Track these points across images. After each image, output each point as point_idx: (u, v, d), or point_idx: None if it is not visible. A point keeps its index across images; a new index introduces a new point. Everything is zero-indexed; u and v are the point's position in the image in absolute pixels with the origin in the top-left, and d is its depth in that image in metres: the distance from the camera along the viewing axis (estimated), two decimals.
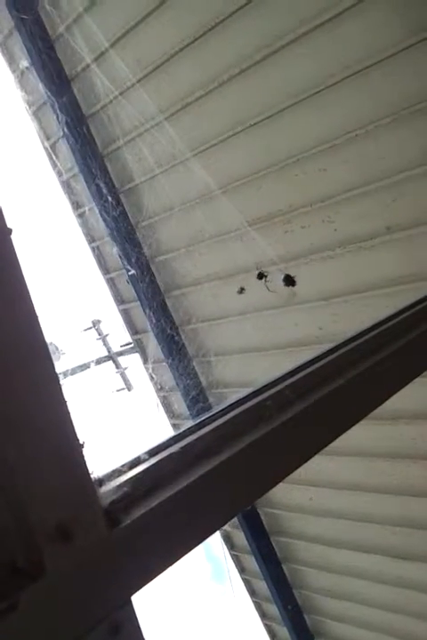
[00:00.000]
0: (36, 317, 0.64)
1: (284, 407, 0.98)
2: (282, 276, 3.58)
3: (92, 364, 10.74)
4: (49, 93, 3.90)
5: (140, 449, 0.85)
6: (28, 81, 4.23)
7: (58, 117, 3.92)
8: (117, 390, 12.16)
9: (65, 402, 0.67)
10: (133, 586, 0.72)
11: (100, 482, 0.75)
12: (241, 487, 0.87)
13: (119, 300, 4.99)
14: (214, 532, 0.83)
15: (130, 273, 4.23)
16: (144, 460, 0.82)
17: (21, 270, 0.63)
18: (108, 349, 11.94)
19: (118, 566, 0.70)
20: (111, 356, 11.94)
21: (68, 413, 0.67)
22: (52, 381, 0.65)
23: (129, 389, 12.17)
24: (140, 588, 0.73)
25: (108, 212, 4.13)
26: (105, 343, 11.95)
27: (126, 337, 5.48)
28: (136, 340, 5.11)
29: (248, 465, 0.88)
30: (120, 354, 11.76)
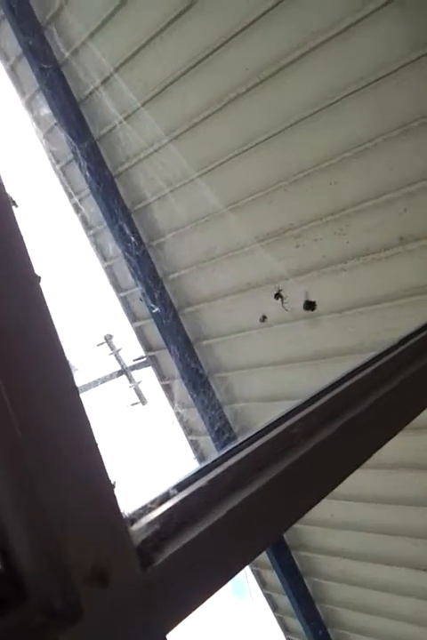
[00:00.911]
0: (66, 362, 0.65)
1: (311, 433, 0.98)
2: (302, 299, 3.57)
3: (106, 379, 10.76)
4: (58, 117, 3.95)
5: (163, 474, 0.85)
6: (38, 105, 4.29)
7: (69, 141, 3.96)
8: (132, 404, 12.17)
9: (97, 444, 0.67)
10: (168, 624, 0.72)
11: (132, 520, 0.75)
12: (272, 518, 0.87)
13: (133, 317, 5.01)
14: (247, 564, 0.83)
15: (152, 306, 4.27)
16: (173, 496, 0.82)
17: (51, 318, 0.63)
18: (122, 364, 11.95)
19: (153, 605, 0.71)
20: (124, 371, 11.95)
21: (100, 455, 0.67)
22: (85, 424, 0.66)
23: (143, 403, 12.17)
24: (176, 625, 0.73)
25: (122, 238, 4.18)
26: (118, 358, 11.97)
27: (139, 351, 5.49)
28: (150, 356, 5.12)
29: (278, 495, 0.88)
30: (133, 368, 11.77)
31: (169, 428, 5.50)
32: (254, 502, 0.84)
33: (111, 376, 11.55)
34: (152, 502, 0.81)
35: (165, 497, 0.82)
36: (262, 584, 5.66)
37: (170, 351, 4.53)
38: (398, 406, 1.17)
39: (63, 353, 0.63)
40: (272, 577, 5.35)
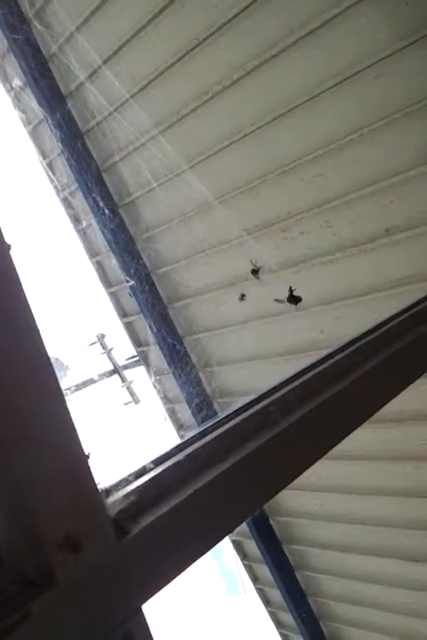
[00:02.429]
0: (37, 330, 0.65)
1: (287, 412, 0.99)
2: (286, 294, 3.57)
3: (98, 379, 10.75)
4: (44, 111, 3.94)
5: (148, 460, 0.86)
6: (25, 99, 4.28)
7: (55, 135, 3.95)
8: (124, 404, 12.15)
9: (69, 414, 0.67)
10: (144, 595, 0.73)
11: (107, 492, 0.76)
12: (248, 493, 0.88)
13: (122, 313, 5.01)
14: (222, 538, 0.83)
15: (129, 283, 4.24)
16: (150, 470, 0.82)
17: (20, 282, 0.64)
18: (114, 363, 11.94)
19: (128, 575, 0.71)
20: (117, 370, 11.94)
21: (73, 425, 0.67)
22: (56, 394, 0.66)
23: (136, 403, 12.17)
24: (151, 596, 0.73)
25: (106, 225, 4.16)
26: (110, 357, 11.95)
27: (131, 350, 5.49)
28: (140, 352, 5.12)
29: (254, 470, 0.89)
30: (125, 367, 11.76)
31: (161, 426, 5.50)
32: (231, 477, 0.85)
33: (103, 375, 11.53)
34: (129, 476, 0.81)
35: (142, 471, 0.83)
36: (254, 578, 5.67)
37: (157, 343, 4.53)
38: (372, 391, 1.18)
39: (34, 321, 0.63)
40: (264, 571, 5.36)
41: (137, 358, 5.85)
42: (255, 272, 3.66)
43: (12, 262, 0.63)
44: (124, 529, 0.72)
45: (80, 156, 4.12)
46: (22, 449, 0.62)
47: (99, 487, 0.71)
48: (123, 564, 0.71)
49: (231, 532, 0.86)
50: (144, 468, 0.83)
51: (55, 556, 0.63)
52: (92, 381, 10.67)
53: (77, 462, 0.67)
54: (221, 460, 0.86)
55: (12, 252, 0.64)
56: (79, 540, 0.66)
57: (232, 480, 0.85)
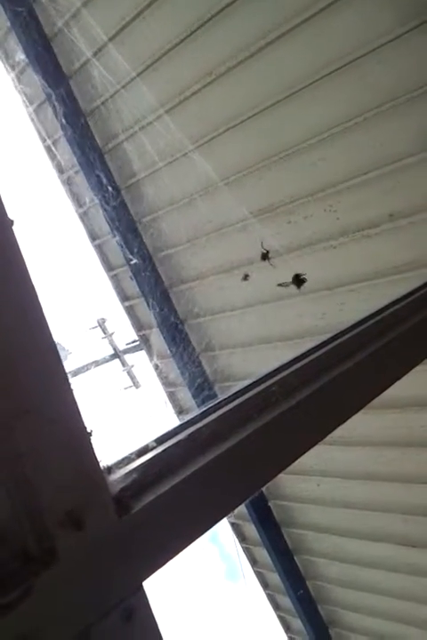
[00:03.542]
0: (40, 307, 0.65)
1: (289, 393, 0.99)
2: (291, 275, 3.55)
3: (99, 363, 10.78)
4: (48, 90, 3.91)
5: (149, 440, 0.86)
6: (27, 79, 4.24)
7: (57, 115, 3.93)
8: (125, 388, 12.20)
9: (72, 391, 0.67)
10: (145, 571, 0.73)
11: (109, 469, 0.76)
12: (249, 473, 0.88)
13: (123, 296, 5.00)
14: (223, 517, 0.83)
15: (132, 262, 4.23)
16: (152, 448, 0.82)
17: (24, 261, 0.63)
18: (115, 348, 11.97)
19: (129, 552, 0.71)
20: (117, 354, 11.97)
21: (76, 403, 0.67)
22: (59, 372, 0.66)
23: (136, 387, 12.21)
24: (152, 573, 0.74)
25: (109, 205, 4.14)
26: (111, 342, 11.98)
27: (132, 335, 5.50)
28: (141, 335, 5.13)
29: (255, 450, 0.89)
30: (126, 352, 11.79)
31: (162, 411, 5.52)
32: (232, 456, 0.85)
33: (104, 360, 11.57)
34: (131, 454, 0.81)
35: (145, 449, 0.83)
36: (253, 561, 5.71)
37: (158, 325, 4.53)
38: (373, 374, 1.18)
39: (37, 296, 0.63)
40: (263, 554, 5.40)
41: (138, 343, 5.86)
42: (265, 256, 3.64)
43: (14, 238, 0.62)
44: (126, 506, 0.72)
45: (83, 135, 4.10)
46: (25, 426, 0.62)
47: (101, 465, 0.71)
48: (124, 540, 0.71)
49: (232, 511, 0.86)
50: (146, 446, 0.83)
51: (57, 533, 0.64)
52: (93, 365, 10.70)
53: (80, 439, 0.67)
54: (223, 439, 0.86)
55: (14, 228, 0.64)
56: (81, 516, 0.66)
57: (234, 460, 0.85)
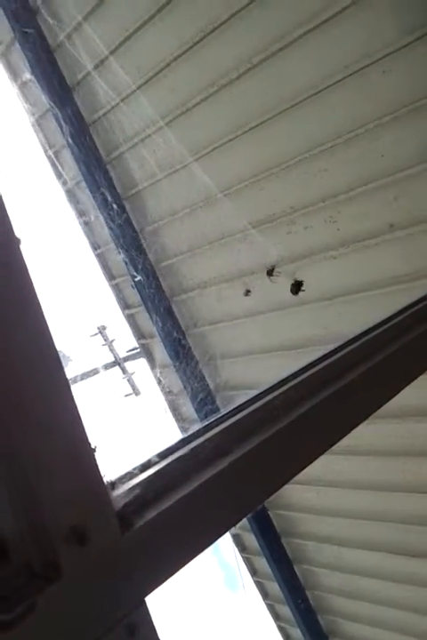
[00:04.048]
0: (45, 322, 0.65)
1: (291, 407, 0.99)
2: (290, 284, 3.57)
3: (100, 370, 10.79)
4: (51, 103, 3.93)
5: (150, 453, 0.87)
6: (30, 90, 4.27)
7: (61, 127, 3.95)
8: (125, 395, 12.20)
9: (76, 406, 0.68)
10: (148, 587, 0.73)
11: (113, 485, 0.76)
12: (251, 487, 0.88)
13: (124, 305, 5.01)
14: (225, 532, 0.84)
15: (136, 279, 4.25)
16: (155, 463, 0.83)
17: (30, 277, 0.64)
18: (115, 355, 11.98)
19: (133, 568, 0.72)
20: (118, 362, 11.97)
21: (80, 417, 0.68)
22: (63, 386, 0.67)
23: (136, 394, 12.21)
24: (155, 588, 0.74)
25: (113, 219, 4.16)
26: (111, 349, 11.99)
27: (132, 342, 5.50)
28: (142, 344, 5.13)
29: (257, 465, 0.89)
30: (126, 359, 11.80)
31: (162, 418, 5.52)
32: (234, 471, 0.85)
33: (105, 367, 11.57)
34: (134, 469, 0.82)
35: (147, 464, 0.83)
36: (253, 571, 5.70)
37: (160, 336, 4.54)
38: (376, 386, 1.19)
39: (42, 313, 0.64)
40: (263, 564, 5.39)
41: (138, 350, 5.86)
42: (270, 272, 3.66)
43: (21, 256, 0.63)
44: (129, 522, 0.73)
45: (86, 146, 4.12)
46: (29, 441, 0.62)
47: (104, 480, 0.72)
48: (127, 556, 0.71)
49: (234, 525, 0.87)
50: (149, 461, 0.83)
51: (61, 548, 0.64)
52: (93, 373, 10.70)
53: (84, 455, 0.68)
54: (225, 454, 0.87)
55: (21, 246, 0.64)
56: (85, 532, 0.66)
57: (236, 474, 0.86)
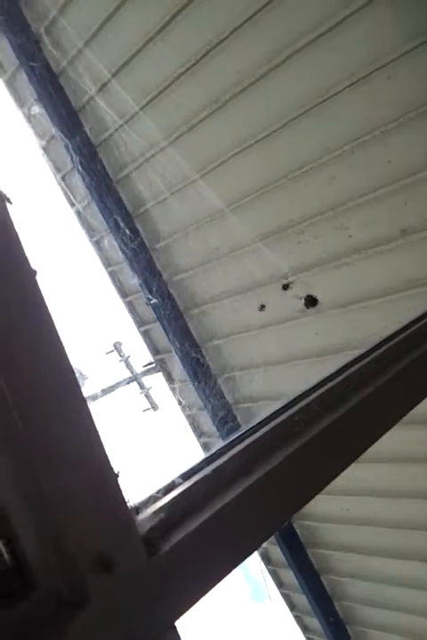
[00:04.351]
0: (64, 353, 0.66)
1: (312, 421, 0.99)
2: (304, 294, 3.56)
3: (116, 387, 10.81)
4: (61, 134, 3.99)
5: (172, 471, 0.87)
6: (37, 117, 4.32)
7: (71, 157, 4.00)
8: (143, 411, 12.19)
9: (98, 433, 0.68)
10: (177, 611, 0.73)
11: (137, 510, 0.76)
12: (275, 505, 0.88)
13: (139, 322, 5.03)
14: (252, 552, 0.83)
15: (152, 302, 4.28)
16: (178, 485, 0.83)
17: (48, 310, 0.65)
18: (131, 371, 11.99)
19: (160, 592, 0.71)
20: (135, 377, 11.98)
21: (102, 445, 0.68)
22: (85, 414, 0.67)
23: (155, 409, 12.20)
24: (184, 612, 0.74)
25: (126, 243, 4.19)
26: (127, 365, 12.00)
27: (148, 357, 5.51)
28: (158, 360, 5.14)
29: (281, 482, 0.89)
30: (143, 374, 11.80)
31: (181, 432, 5.51)
32: (257, 490, 0.85)
33: (122, 383, 11.59)
34: (158, 492, 0.82)
35: (171, 486, 0.83)
36: (279, 584, 5.65)
37: (177, 353, 4.54)
38: (398, 395, 1.17)
39: (62, 344, 0.64)
40: (289, 576, 5.34)
41: (154, 365, 5.87)
42: (287, 287, 3.65)
43: (38, 288, 0.64)
44: (155, 546, 0.73)
45: (96, 172, 4.16)
46: (53, 469, 0.63)
47: (129, 505, 0.72)
48: (154, 581, 0.71)
49: (261, 545, 0.86)
50: (172, 482, 0.83)
51: (89, 576, 0.64)
52: (110, 390, 10.73)
53: (108, 482, 0.68)
54: (248, 473, 0.86)
55: (38, 278, 0.65)
56: (111, 559, 0.66)
57: (260, 493, 0.85)
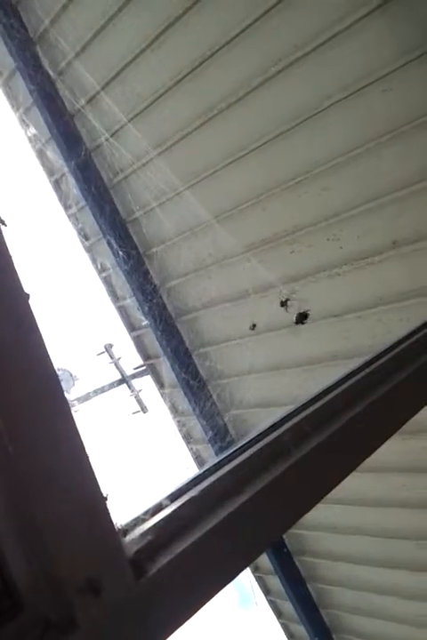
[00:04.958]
0: (56, 378, 0.66)
1: (301, 441, 1.00)
2: (297, 305, 3.57)
3: (107, 388, 10.78)
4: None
5: (160, 484, 0.87)
6: (32, 117, 4.32)
7: (66, 161, 4.02)
8: (133, 413, 12.16)
9: (88, 457, 0.69)
10: (164, 633, 0.73)
11: (125, 532, 0.77)
12: (265, 525, 0.89)
13: (130, 326, 5.03)
14: (240, 572, 0.84)
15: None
16: (165, 506, 0.83)
17: (41, 334, 0.65)
18: (122, 373, 11.95)
19: (147, 615, 0.72)
20: (125, 380, 11.95)
21: (92, 470, 0.69)
22: (75, 438, 0.67)
23: (144, 412, 12.17)
24: (172, 633, 0.74)
25: (118, 249, 4.21)
26: (118, 367, 11.97)
27: (139, 359, 5.50)
28: (149, 365, 5.14)
29: (270, 503, 0.89)
30: (133, 376, 11.77)
31: (170, 436, 5.51)
32: (246, 511, 0.85)
33: (112, 385, 11.55)
34: (145, 513, 0.82)
35: (158, 508, 0.84)
36: (266, 591, 5.64)
37: (167, 359, 4.55)
38: (388, 412, 1.18)
39: (53, 370, 0.65)
40: (276, 583, 5.34)
41: (144, 368, 5.86)
42: (284, 303, 3.65)
43: (31, 312, 0.64)
44: (143, 568, 0.73)
45: (89, 174, 4.18)
46: (42, 493, 0.63)
47: (116, 527, 0.72)
48: (142, 603, 0.72)
49: (249, 564, 0.87)
50: (160, 504, 0.84)
51: (76, 600, 0.64)
52: (100, 391, 10.70)
53: (96, 505, 0.69)
54: (236, 493, 0.87)
55: (30, 301, 0.66)
56: (99, 582, 0.67)
57: (248, 513, 0.86)
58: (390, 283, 3.28)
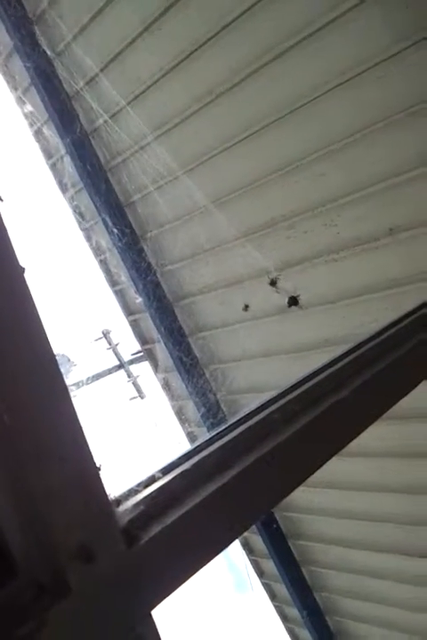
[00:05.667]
0: (51, 350, 0.68)
1: (291, 419, 1.02)
2: (294, 290, 3.59)
3: (105, 374, 10.80)
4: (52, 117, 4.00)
5: (155, 461, 0.89)
6: (30, 97, 4.30)
7: (64, 143, 4.00)
8: (130, 399, 12.19)
9: (81, 428, 0.70)
10: (154, 600, 0.76)
11: (118, 502, 0.79)
12: (254, 499, 0.91)
13: (128, 310, 5.04)
14: (229, 544, 0.86)
15: (138, 301, 4.32)
16: (158, 479, 0.85)
17: (36, 309, 0.66)
18: (119, 359, 11.97)
19: (138, 582, 0.74)
20: (122, 365, 11.97)
21: (85, 438, 0.70)
22: (69, 409, 0.69)
23: (142, 397, 12.20)
24: (161, 601, 0.77)
25: (116, 231, 4.21)
26: (116, 353, 11.99)
27: (136, 345, 5.52)
28: (146, 349, 5.16)
29: (259, 477, 0.92)
30: (131, 362, 11.80)
31: (167, 421, 5.54)
32: (237, 484, 0.87)
33: (110, 371, 11.57)
34: (138, 485, 0.84)
35: (151, 480, 0.86)
36: (260, 573, 5.71)
37: (164, 343, 4.57)
38: (376, 395, 1.21)
39: (48, 341, 0.66)
40: (270, 566, 5.40)
41: (142, 354, 5.88)
42: (274, 282, 3.66)
43: (26, 285, 0.66)
44: (135, 537, 0.75)
45: (86, 154, 4.17)
46: (36, 462, 0.65)
47: (109, 497, 0.74)
48: (133, 571, 0.74)
49: (238, 537, 0.89)
50: (153, 477, 0.86)
51: (69, 566, 0.66)
52: (98, 377, 10.72)
53: (90, 475, 0.70)
54: (228, 468, 0.89)
55: (25, 275, 0.67)
56: (92, 549, 0.69)
57: (238, 488, 0.88)
58: (386, 269, 3.29)
